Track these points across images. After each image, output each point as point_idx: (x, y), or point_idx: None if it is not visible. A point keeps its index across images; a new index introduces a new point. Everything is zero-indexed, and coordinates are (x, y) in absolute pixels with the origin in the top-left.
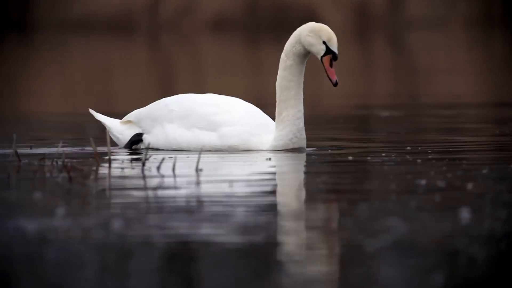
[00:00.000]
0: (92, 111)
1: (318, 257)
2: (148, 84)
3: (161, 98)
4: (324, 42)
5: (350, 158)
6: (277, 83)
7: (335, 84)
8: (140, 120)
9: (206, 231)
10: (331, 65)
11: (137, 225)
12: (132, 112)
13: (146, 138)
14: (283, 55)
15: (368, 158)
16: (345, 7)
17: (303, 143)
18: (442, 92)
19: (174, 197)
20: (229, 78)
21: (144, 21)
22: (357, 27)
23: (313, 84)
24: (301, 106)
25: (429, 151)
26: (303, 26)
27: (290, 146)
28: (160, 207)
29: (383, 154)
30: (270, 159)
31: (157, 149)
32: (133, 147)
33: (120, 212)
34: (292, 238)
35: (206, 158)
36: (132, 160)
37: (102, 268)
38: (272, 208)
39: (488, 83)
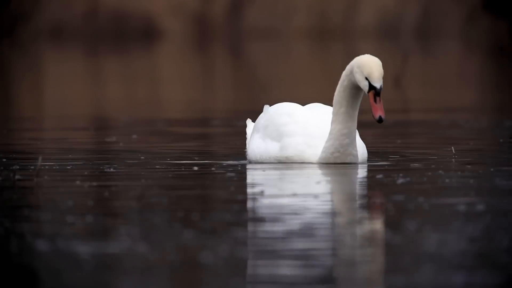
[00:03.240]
0: (248, 121)
1: None
2: None
3: None
4: (366, 78)
5: None
6: (334, 95)
7: (379, 121)
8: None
9: None
10: (375, 101)
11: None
12: None
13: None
14: (343, 73)
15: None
16: (184, 16)
17: (348, 159)
18: (279, 99)
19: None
20: (68, 88)
21: None
22: (197, 36)
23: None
24: (349, 124)
25: None
26: (356, 58)
27: (332, 161)
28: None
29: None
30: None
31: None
32: None
33: None
34: None
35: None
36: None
37: None
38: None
39: (326, 91)
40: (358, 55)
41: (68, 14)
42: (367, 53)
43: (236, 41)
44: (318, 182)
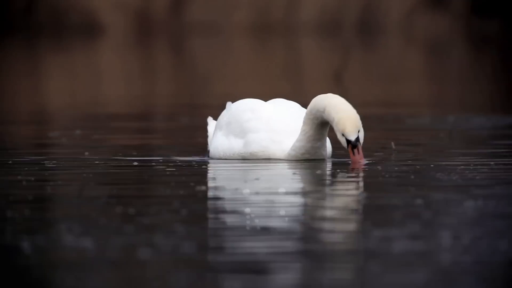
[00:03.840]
0: (209, 119)
1: None
2: None
3: None
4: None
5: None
6: (310, 104)
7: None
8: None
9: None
10: (354, 153)
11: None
12: None
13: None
14: (307, 110)
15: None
16: (126, 11)
17: (316, 156)
18: (220, 94)
19: None
20: (8, 83)
21: None
22: (138, 31)
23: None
24: (323, 130)
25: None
26: (329, 105)
27: (300, 158)
28: None
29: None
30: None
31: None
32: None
33: None
34: None
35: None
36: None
37: None
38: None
39: (268, 86)
40: (300, 50)
41: (7, 9)
42: (309, 49)
43: (178, 37)
44: (271, 178)
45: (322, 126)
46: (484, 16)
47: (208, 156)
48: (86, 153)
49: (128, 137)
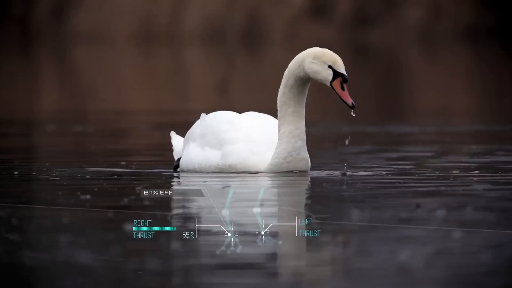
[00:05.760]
0: (172, 133)
1: None
2: None
3: None
4: (330, 67)
5: None
6: (278, 98)
7: (352, 107)
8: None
9: None
10: (343, 88)
11: None
12: None
13: (181, 161)
14: (286, 72)
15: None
16: (7, 18)
17: (300, 164)
18: (104, 102)
19: None
20: None
21: None
22: (20, 39)
23: None
24: (299, 124)
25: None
26: (306, 51)
27: (285, 167)
28: None
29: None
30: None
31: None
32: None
33: None
34: None
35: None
36: None
37: None
38: None
39: (153, 94)
40: (185, 58)
41: None
42: (193, 58)
43: (61, 45)
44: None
45: (301, 95)
46: (367, 26)
47: (176, 169)
48: None
49: (9, 145)
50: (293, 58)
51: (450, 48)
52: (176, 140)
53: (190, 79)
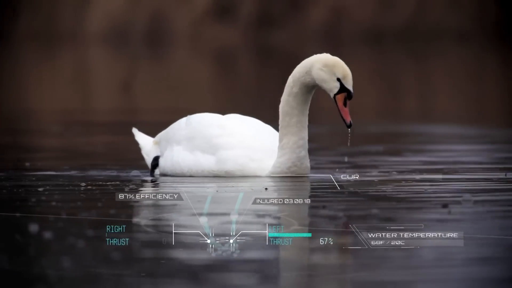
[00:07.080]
0: (134, 130)
1: None
2: None
3: None
4: (338, 79)
5: None
6: (280, 106)
7: (349, 126)
8: (160, 140)
9: None
10: (345, 104)
11: None
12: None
13: (161, 162)
14: (290, 80)
15: None
16: None
17: (304, 172)
18: (6, 103)
19: None
20: None
21: None
22: None
23: None
24: (303, 134)
25: None
26: (316, 57)
27: (286, 174)
28: None
29: None
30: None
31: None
32: (155, 172)
33: None
34: None
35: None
36: None
37: None
38: None
39: (53, 97)
40: (88, 59)
41: None
42: (96, 58)
43: None
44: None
45: (305, 104)
46: (271, 27)
47: (154, 168)
48: None
49: None
50: (197, 58)
51: (353, 49)
52: (142, 138)
53: (93, 79)
